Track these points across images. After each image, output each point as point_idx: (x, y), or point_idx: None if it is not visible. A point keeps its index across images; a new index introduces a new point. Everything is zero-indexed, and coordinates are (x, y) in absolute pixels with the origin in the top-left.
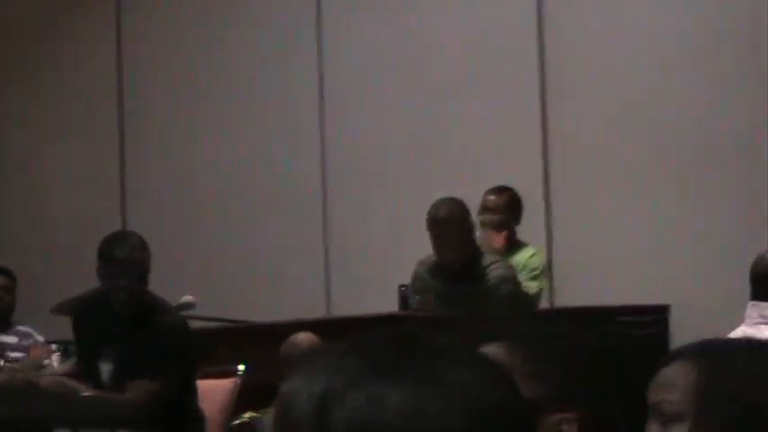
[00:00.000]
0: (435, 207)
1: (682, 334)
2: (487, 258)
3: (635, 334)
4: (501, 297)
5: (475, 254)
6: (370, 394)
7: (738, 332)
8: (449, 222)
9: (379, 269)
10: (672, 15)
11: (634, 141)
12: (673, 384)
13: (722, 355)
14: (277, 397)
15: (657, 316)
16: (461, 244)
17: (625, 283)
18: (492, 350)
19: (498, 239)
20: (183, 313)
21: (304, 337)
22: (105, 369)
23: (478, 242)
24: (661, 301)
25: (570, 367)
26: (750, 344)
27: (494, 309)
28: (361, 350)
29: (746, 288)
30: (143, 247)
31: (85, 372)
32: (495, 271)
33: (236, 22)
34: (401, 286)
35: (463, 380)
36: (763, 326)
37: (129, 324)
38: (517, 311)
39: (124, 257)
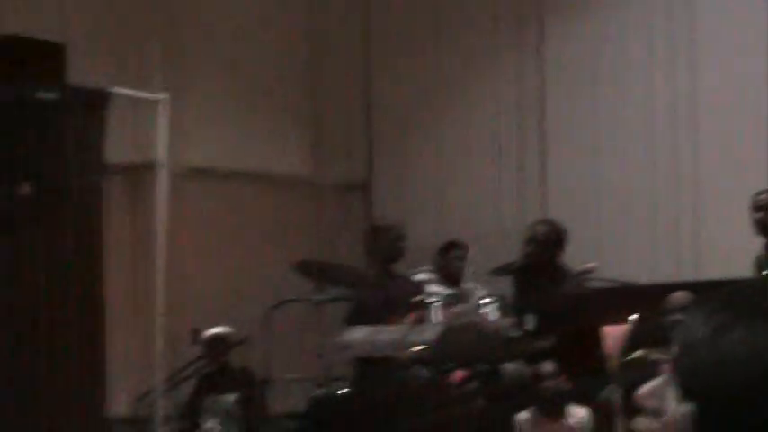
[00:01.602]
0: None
1: None
2: None
3: None
4: None
5: None
6: (750, 328)
7: None
8: None
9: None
10: None
11: None
12: None
13: None
14: (679, 326)
15: None
16: None
17: None
18: None
19: None
20: (586, 277)
21: (680, 295)
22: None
23: None
24: None
25: None
26: None
27: None
28: (737, 300)
29: None
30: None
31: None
32: None
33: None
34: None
35: None
36: None
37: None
38: None
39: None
